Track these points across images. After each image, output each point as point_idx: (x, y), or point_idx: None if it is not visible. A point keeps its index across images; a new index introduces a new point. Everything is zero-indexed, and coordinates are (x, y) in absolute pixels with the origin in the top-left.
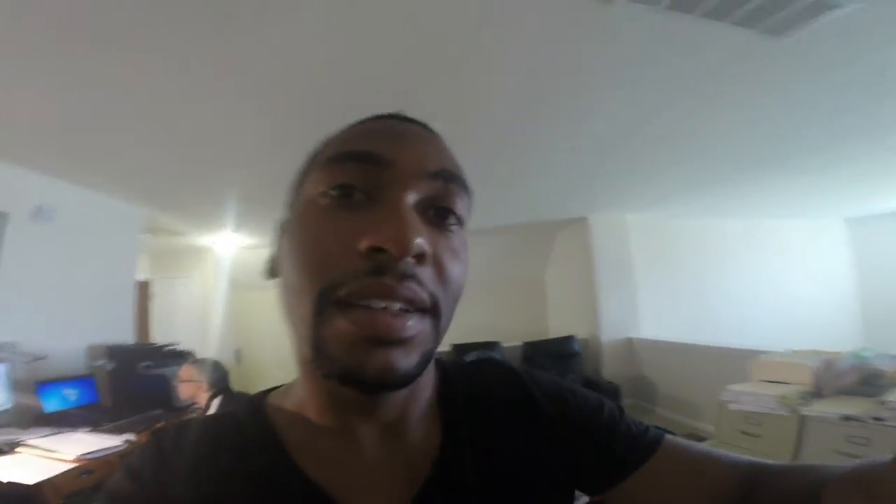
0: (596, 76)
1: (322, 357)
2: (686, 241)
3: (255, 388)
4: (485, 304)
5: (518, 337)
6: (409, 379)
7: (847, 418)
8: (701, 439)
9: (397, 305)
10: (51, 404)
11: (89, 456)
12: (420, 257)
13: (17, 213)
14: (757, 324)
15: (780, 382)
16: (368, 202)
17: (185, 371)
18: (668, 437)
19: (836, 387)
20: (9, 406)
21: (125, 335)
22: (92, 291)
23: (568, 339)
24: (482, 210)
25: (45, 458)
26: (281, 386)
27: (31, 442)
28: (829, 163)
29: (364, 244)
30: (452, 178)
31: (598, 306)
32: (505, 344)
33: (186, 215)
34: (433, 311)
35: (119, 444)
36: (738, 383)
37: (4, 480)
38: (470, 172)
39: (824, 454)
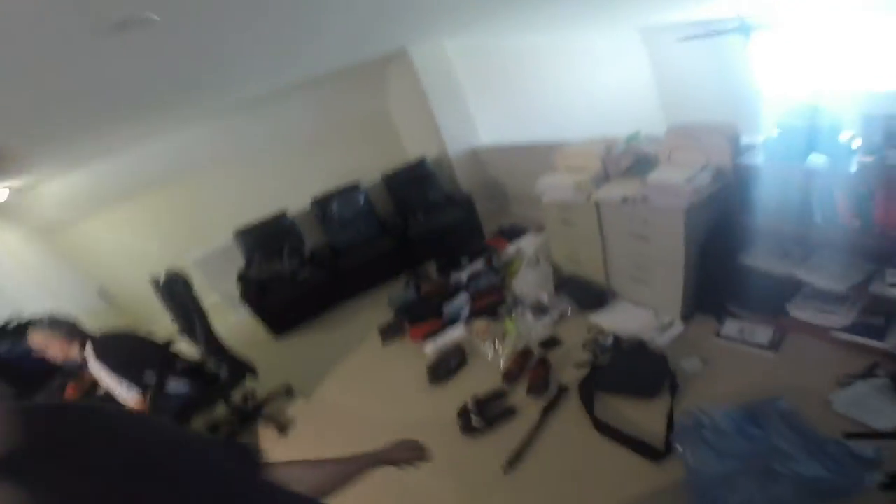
0: None
1: None
2: (505, 57)
3: (145, 319)
4: (339, 149)
5: (381, 170)
6: None
7: (624, 199)
8: (543, 227)
9: None
10: None
11: None
12: None
13: None
14: (577, 120)
15: (578, 169)
16: None
17: (35, 341)
18: None
19: (617, 169)
20: None
21: None
22: None
23: (421, 162)
24: (286, 64)
25: None
26: None
27: None
28: None
29: None
30: None
31: (440, 126)
32: (366, 181)
33: None
34: None
35: None
36: (550, 174)
37: None
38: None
39: (621, 238)
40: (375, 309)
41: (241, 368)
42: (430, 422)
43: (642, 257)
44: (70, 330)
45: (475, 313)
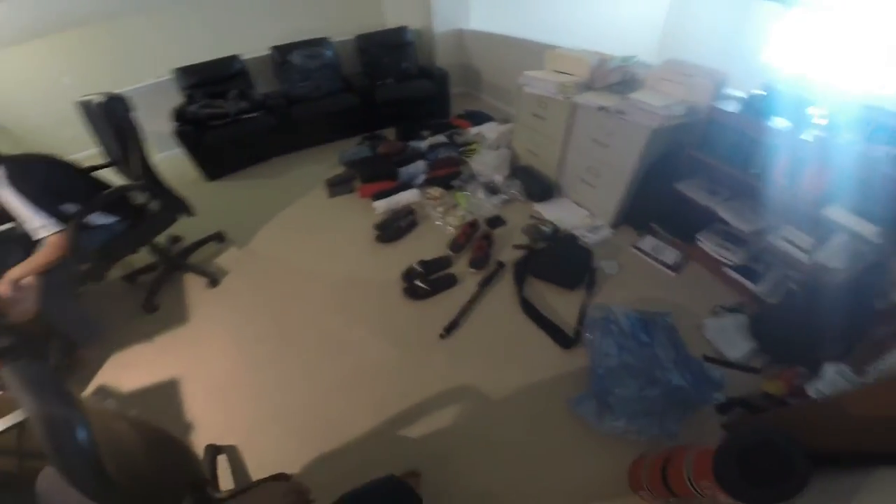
0: None
1: None
2: None
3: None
4: (309, 4)
5: (353, 32)
6: None
7: (601, 108)
8: (508, 121)
9: None
10: None
11: None
12: None
13: None
14: (571, 31)
15: (565, 73)
16: None
17: None
18: None
19: (603, 83)
20: None
21: None
22: None
23: (401, 30)
24: None
25: None
26: None
27: None
28: None
29: None
30: None
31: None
32: (336, 38)
33: None
34: None
35: None
36: (535, 70)
37: None
38: None
39: (584, 141)
40: (325, 164)
41: (175, 204)
42: (372, 280)
43: (596, 162)
44: None
45: (430, 181)
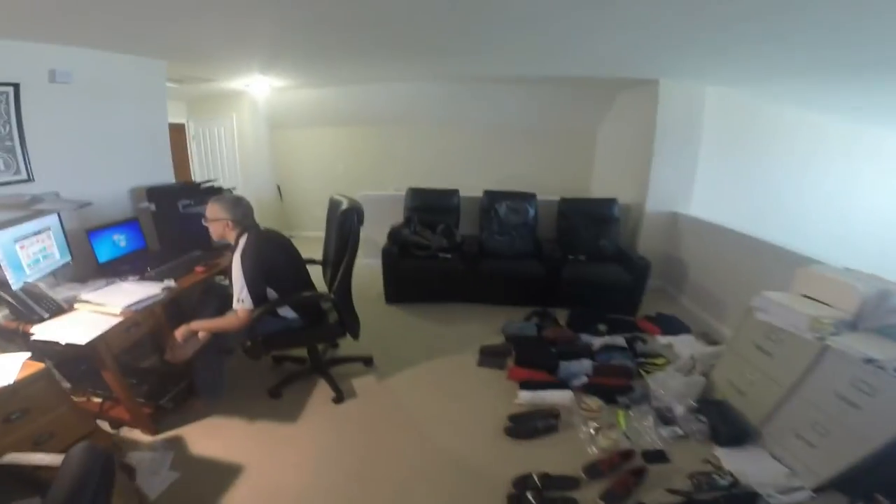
0: None
1: None
2: (764, 126)
3: (296, 223)
4: (526, 153)
5: (556, 192)
6: None
7: (868, 361)
8: (713, 343)
9: None
10: (103, 253)
11: (133, 307)
12: None
13: (30, 81)
14: (809, 236)
15: (820, 302)
16: None
17: (210, 209)
18: None
19: (877, 322)
20: (69, 259)
21: (166, 176)
22: (126, 138)
23: (609, 202)
24: (539, 58)
25: (97, 312)
26: None
27: (85, 297)
28: None
29: None
30: None
31: (651, 173)
32: (540, 197)
33: (211, 63)
34: None
35: (159, 292)
36: (776, 291)
37: (63, 342)
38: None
39: (823, 394)
40: (489, 326)
41: (350, 324)
42: (480, 473)
43: (831, 421)
44: (241, 216)
45: (591, 387)
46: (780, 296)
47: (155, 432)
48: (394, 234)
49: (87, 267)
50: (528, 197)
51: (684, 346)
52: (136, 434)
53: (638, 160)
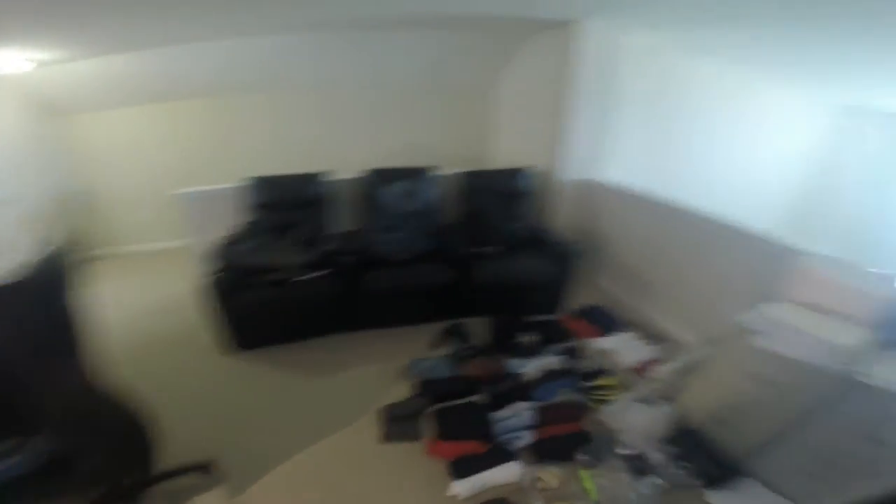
0: None
1: None
2: (685, 78)
3: (116, 235)
4: (413, 118)
5: (450, 162)
6: None
7: None
8: (657, 339)
9: None
10: None
11: None
12: None
13: None
14: (718, 193)
15: (827, 312)
16: None
17: None
18: None
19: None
20: None
21: None
22: None
23: (514, 174)
24: None
25: None
26: None
27: None
28: None
29: None
30: None
31: (562, 134)
32: (445, 171)
33: None
34: None
35: None
36: (771, 302)
37: None
38: None
39: (844, 433)
40: (392, 361)
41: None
42: None
43: (848, 458)
44: None
45: (541, 447)
46: (782, 312)
47: None
48: (225, 253)
49: None
50: (423, 173)
51: (629, 350)
52: None
53: (548, 120)
